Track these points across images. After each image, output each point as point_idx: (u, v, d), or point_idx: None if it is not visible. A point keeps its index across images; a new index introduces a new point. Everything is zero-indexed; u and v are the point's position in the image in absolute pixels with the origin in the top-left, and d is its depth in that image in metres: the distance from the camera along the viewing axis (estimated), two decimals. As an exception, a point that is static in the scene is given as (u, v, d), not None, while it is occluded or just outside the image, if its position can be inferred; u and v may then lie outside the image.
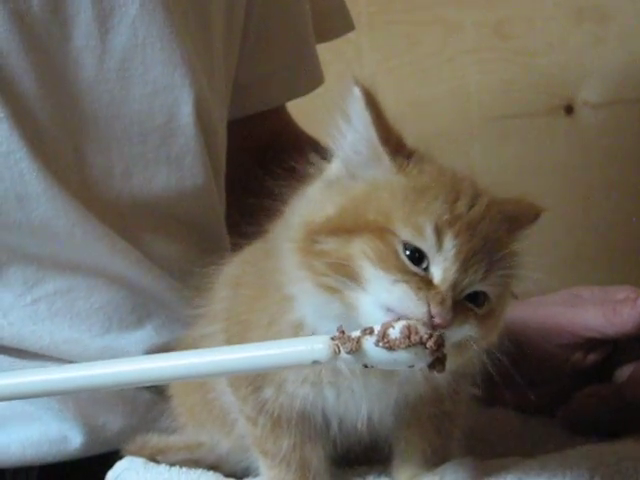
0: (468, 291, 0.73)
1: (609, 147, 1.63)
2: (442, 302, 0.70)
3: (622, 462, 0.82)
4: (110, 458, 0.94)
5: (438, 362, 0.69)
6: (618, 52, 1.60)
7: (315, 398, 0.81)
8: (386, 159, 0.74)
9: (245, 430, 0.88)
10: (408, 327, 0.68)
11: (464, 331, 0.72)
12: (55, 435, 1.00)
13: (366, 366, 0.70)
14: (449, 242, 0.72)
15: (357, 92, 0.74)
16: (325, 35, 1.24)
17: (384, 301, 0.71)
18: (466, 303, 0.73)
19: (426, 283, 0.71)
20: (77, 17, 0.97)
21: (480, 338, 0.74)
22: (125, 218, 1.03)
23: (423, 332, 0.68)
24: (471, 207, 0.74)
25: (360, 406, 0.81)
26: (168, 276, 1.05)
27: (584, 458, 0.83)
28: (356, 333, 0.69)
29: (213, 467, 0.91)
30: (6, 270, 0.99)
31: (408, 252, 0.72)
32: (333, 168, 0.78)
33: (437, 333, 0.69)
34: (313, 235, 0.74)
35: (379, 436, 0.86)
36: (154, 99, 1.01)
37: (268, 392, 0.83)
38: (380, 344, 0.68)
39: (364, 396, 0.80)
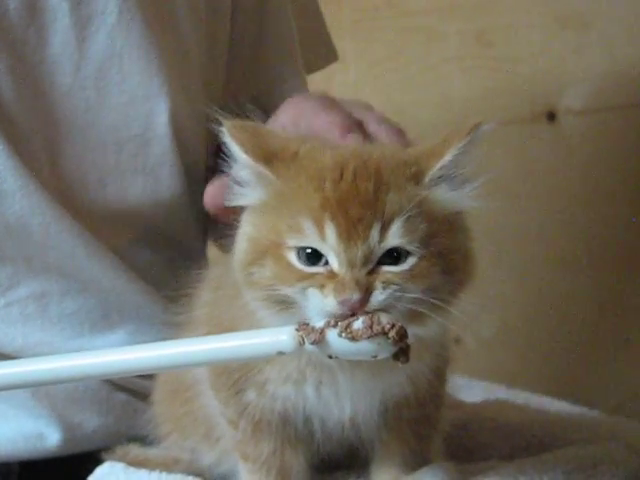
0: (375, 257, 0.72)
1: (592, 154, 1.63)
2: (343, 287, 0.71)
3: (598, 466, 0.83)
4: (91, 458, 0.94)
5: (402, 353, 0.70)
6: (600, 59, 1.61)
7: (296, 398, 0.82)
8: (264, 172, 0.75)
9: (227, 434, 0.88)
10: (371, 318, 0.69)
11: (397, 294, 0.72)
12: (30, 431, 1.01)
13: (331, 357, 0.71)
14: (328, 227, 0.72)
15: (223, 128, 0.76)
16: (309, 67, 1.24)
17: (312, 307, 0.72)
18: (382, 269, 0.72)
19: (330, 277, 0.72)
20: (54, 24, 0.97)
21: (435, 289, 0.73)
22: (100, 223, 1.03)
23: (385, 322, 0.69)
24: (338, 181, 0.73)
25: (343, 405, 0.81)
26: (143, 281, 1.05)
27: (560, 462, 0.84)
28: (320, 324, 0.70)
29: (197, 475, 0.92)
30: None
31: (305, 254, 0.73)
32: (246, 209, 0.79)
33: (400, 324, 0.69)
34: (243, 270, 0.76)
35: (360, 439, 0.86)
36: (130, 108, 1.01)
37: (250, 395, 0.83)
38: (343, 335, 0.69)
39: (349, 393, 0.81)
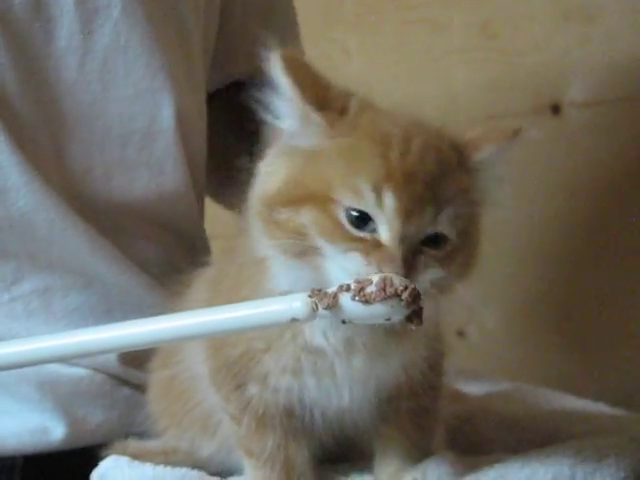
0: (421, 237, 0.73)
1: (596, 146, 1.63)
2: (392, 261, 0.71)
3: (603, 459, 0.83)
4: (94, 453, 0.94)
5: (415, 315, 0.70)
6: (604, 51, 1.60)
7: (298, 388, 0.82)
8: (316, 118, 0.74)
9: (230, 430, 0.88)
10: (384, 280, 0.69)
11: (427, 276, 0.73)
12: (35, 426, 1.01)
13: (344, 322, 0.71)
14: (389, 198, 0.71)
15: (276, 59, 0.74)
16: None
17: (345, 267, 0.72)
18: (425, 249, 0.73)
19: (375, 245, 0.71)
20: (60, 18, 0.97)
21: (451, 278, 0.74)
22: (104, 218, 1.03)
23: (398, 284, 0.69)
24: (406, 154, 0.73)
25: (342, 393, 0.82)
26: (147, 276, 1.05)
27: (565, 454, 0.83)
28: (333, 289, 0.70)
29: (197, 467, 0.91)
30: None
31: (352, 217, 0.72)
32: (280, 140, 0.78)
33: (412, 285, 0.69)
34: (269, 206, 0.75)
35: (360, 430, 0.86)
36: (135, 102, 1.01)
37: (253, 389, 0.83)
38: (357, 298, 0.69)
39: (347, 381, 0.81)
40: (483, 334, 1.58)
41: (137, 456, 0.92)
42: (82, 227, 1.00)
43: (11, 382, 1.01)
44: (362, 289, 0.69)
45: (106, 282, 1.03)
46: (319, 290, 0.70)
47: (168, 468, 0.89)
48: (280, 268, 0.77)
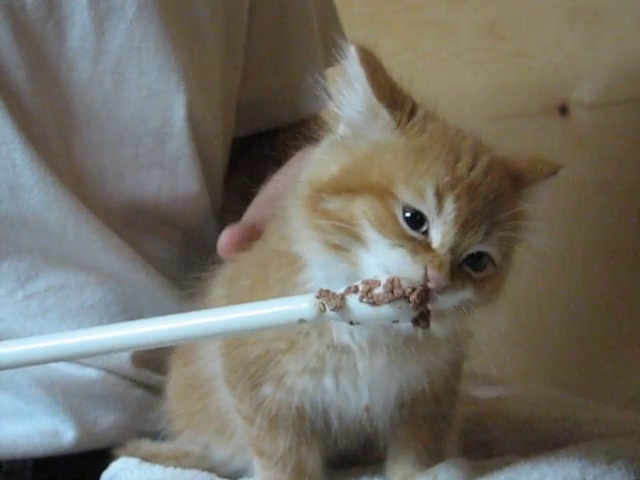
0: (467, 253, 0.72)
1: (604, 147, 1.63)
2: (440, 266, 0.70)
3: (614, 461, 0.83)
4: (104, 455, 0.94)
5: (422, 318, 0.70)
6: (612, 52, 1.60)
7: (315, 390, 0.82)
8: (384, 114, 0.74)
9: (242, 430, 0.88)
10: (392, 282, 0.69)
11: (460, 296, 0.72)
12: (46, 428, 1.01)
13: (352, 323, 0.71)
14: (449, 205, 0.71)
15: (352, 50, 0.74)
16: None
17: (384, 264, 0.72)
18: (465, 268, 0.73)
19: (424, 247, 0.71)
20: (73, 18, 0.97)
21: (478, 303, 0.74)
22: (117, 217, 1.03)
23: (406, 286, 0.69)
24: (472, 168, 0.73)
25: (361, 394, 0.82)
26: (161, 275, 1.05)
27: (575, 457, 0.83)
28: (340, 290, 0.70)
29: (208, 470, 0.92)
30: None
31: (408, 215, 0.72)
32: (338, 130, 0.78)
33: (420, 287, 0.69)
34: (319, 193, 0.75)
35: (376, 433, 0.86)
36: (148, 103, 1.01)
37: (267, 389, 0.83)
38: (364, 300, 0.69)
39: (367, 382, 0.81)
40: (491, 336, 1.57)
41: (149, 458, 0.92)
42: (95, 225, 1.00)
43: (22, 384, 1.01)
44: (370, 290, 0.69)
45: (121, 280, 1.03)
46: (327, 291, 0.70)
47: (178, 470, 0.90)
48: (315, 262, 0.77)
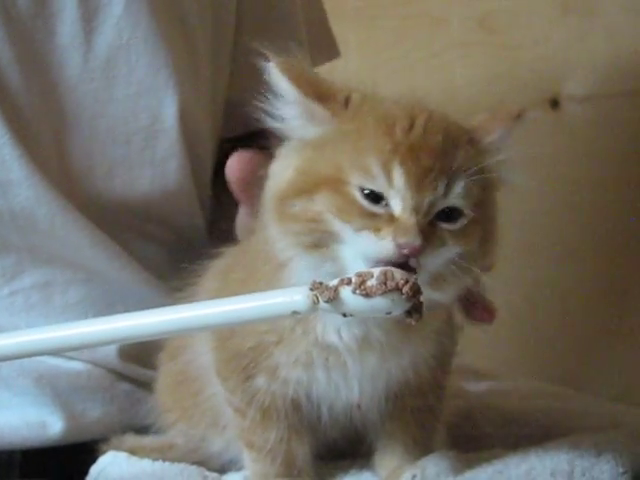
0: (435, 210, 0.73)
1: (595, 141, 1.63)
2: (406, 231, 0.71)
3: (602, 454, 0.83)
4: (92, 448, 0.94)
5: (415, 309, 0.70)
6: (603, 46, 1.60)
7: (308, 381, 0.82)
8: (317, 109, 0.76)
9: (233, 422, 0.88)
10: (385, 273, 0.69)
11: (445, 253, 0.73)
12: (34, 420, 1.01)
13: (345, 315, 0.71)
14: (397, 172, 0.72)
15: (272, 65, 0.76)
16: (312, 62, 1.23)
17: (358, 250, 0.73)
18: (439, 225, 0.73)
19: (388, 220, 0.72)
20: (62, 14, 0.97)
21: (470, 255, 0.75)
22: (106, 214, 1.03)
23: (399, 278, 0.69)
24: (410, 130, 0.74)
25: (352, 387, 0.82)
26: (148, 274, 1.05)
27: (564, 450, 0.83)
28: (333, 282, 0.70)
29: (195, 464, 0.92)
30: None
31: (365, 194, 0.73)
32: (287, 142, 0.79)
33: (413, 279, 0.69)
34: (283, 201, 0.76)
35: (365, 426, 0.86)
36: (138, 100, 1.01)
37: (260, 381, 0.83)
38: (357, 291, 0.69)
39: (357, 376, 0.81)
40: (481, 328, 1.58)
41: (133, 452, 0.92)
42: (83, 222, 1.00)
43: (10, 375, 1.01)
44: (363, 282, 0.69)
45: (107, 278, 1.03)
46: (320, 283, 0.70)
47: (167, 464, 0.90)
48: (300, 266, 0.77)
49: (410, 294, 0.69)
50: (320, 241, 0.74)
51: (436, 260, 0.73)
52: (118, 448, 0.93)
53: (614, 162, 1.62)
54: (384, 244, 0.71)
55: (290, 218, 0.76)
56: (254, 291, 0.77)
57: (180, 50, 1.04)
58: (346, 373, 0.81)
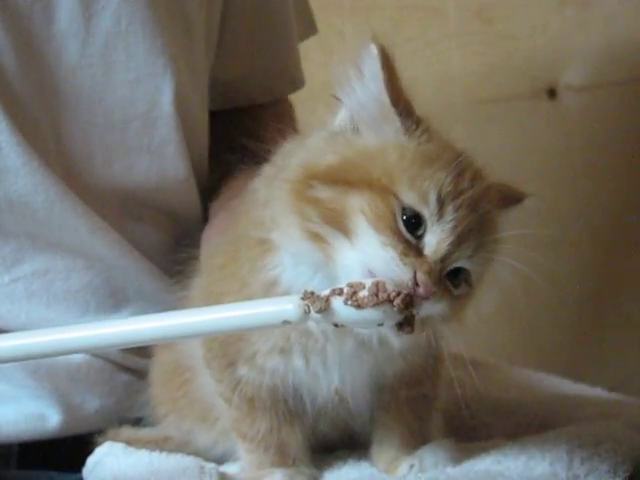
0: (454, 266, 0.73)
1: (592, 130, 1.63)
2: (429, 272, 0.70)
3: (601, 444, 0.83)
4: (91, 439, 0.94)
5: (406, 322, 0.70)
6: (600, 35, 1.60)
7: (285, 369, 0.82)
8: (396, 120, 0.74)
9: (224, 413, 0.88)
10: (377, 285, 0.69)
11: (437, 308, 0.73)
12: (32, 412, 1.01)
13: (336, 325, 0.70)
14: (449, 214, 0.72)
15: (374, 50, 0.74)
16: None
17: (368, 261, 0.71)
18: (446, 281, 0.73)
19: (415, 251, 0.71)
20: (60, 0, 0.97)
21: (446, 318, 0.74)
22: (105, 202, 1.03)
23: (391, 289, 0.69)
24: (473, 185, 0.74)
25: (332, 376, 0.81)
26: (148, 260, 1.05)
27: (563, 440, 0.83)
28: (325, 292, 0.69)
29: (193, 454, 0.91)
30: None
31: (407, 216, 0.72)
32: (338, 119, 0.77)
33: (405, 291, 0.69)
34: (310, 180, 0.74)
35: (352, 416, 0.86)
36: (136, 86, 1.01)
37: (242, 369, 0.83)
38: (349, 302, 0.69)
39: (337, 363, 0.81)
40: (479, 318, 1.58)
41: (130, 444, 0.92)
42: (81, 209, 1.00)
43: (8, 368, 1.00)
44: (354, 293, 0.69)
45: (107, 265, 1.03)
46: (312, 293, 0.70)
47: (164, 454, 0.89)
48: (287, 247, 0.76)
49: (402, 306, 0.69)
50: (326, 234, 0.73)
51: (430, 310, 0.72)
52: (114, 440, 0.93)
53: (611, 151, 1.62)
54: (404, 270, 0.70)
55: (309, 200, 0.74)
56: (233, 276, 0.77)
57: (177, 37, 1.03)
58: (325, 360, 0.81)
